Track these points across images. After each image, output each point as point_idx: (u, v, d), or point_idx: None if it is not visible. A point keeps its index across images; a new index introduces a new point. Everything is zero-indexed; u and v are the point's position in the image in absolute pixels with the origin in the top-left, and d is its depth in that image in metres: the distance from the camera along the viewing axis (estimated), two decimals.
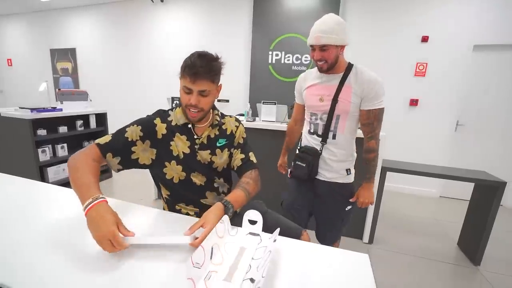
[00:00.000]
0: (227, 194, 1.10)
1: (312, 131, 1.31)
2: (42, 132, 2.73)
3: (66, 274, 0.63)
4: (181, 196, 1.06)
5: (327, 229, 1.39)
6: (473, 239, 2.00)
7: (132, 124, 0.98)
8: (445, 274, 1.86)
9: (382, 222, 2.46)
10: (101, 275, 0.63)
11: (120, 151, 0.94)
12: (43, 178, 2.81)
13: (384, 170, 2.06)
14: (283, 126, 2.30)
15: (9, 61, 5.93)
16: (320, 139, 1.27)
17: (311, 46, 1.16)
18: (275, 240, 0.72)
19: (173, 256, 0.71)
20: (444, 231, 2.47)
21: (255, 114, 2.89)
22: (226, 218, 0.79)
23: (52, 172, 2.87)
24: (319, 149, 1.28)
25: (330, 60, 1.15)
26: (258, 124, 2.35)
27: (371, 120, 1.19)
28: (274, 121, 2.45)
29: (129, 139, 0.95)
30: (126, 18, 4.53)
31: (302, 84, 1.34)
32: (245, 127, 1.15)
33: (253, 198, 0.98)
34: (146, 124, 0.98)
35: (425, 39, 3.04)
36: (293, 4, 3.45)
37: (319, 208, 1.37)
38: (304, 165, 1.29)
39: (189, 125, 1.01)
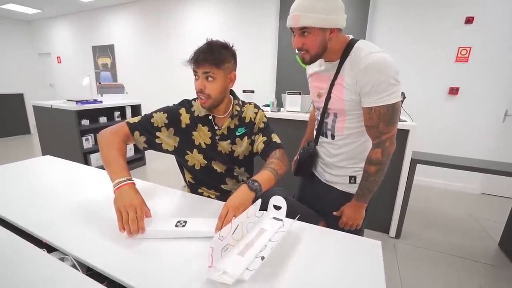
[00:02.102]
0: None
1: (316, 126, 1.12)
2: (85, 122, 3.01)
3: (99, 240, 0.73)
4: (203, 181, 1.12)
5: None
6: None
7: (159, 110, 1.04)
8: (481, 274, 1.73)
9: (412, 217, 2.35)
10: (127, 245, 0.72)
11: (146, 132, 1.00)
12: (86, 163, 3.11)
13: (413, 163, 1.95)
14: (307, 117, 2.27)
15: (58, 58, 6.55)
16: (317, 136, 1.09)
17: (290, 29, 0.90)
18: (291, 225, 0.75)
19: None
20: (484, 230, 2.29)
21: (280, 104, 2.88)
22: (259, 201, 0.81)
23: (94, 158, 3.17)
24: (313, 144, 1.10)
25: (313, 49, 0.88)
26: (283, 114, 2.34)
27: (374, 122, 0.87)
28: (299, 112, 2.43)
29: (155, 125, 1.00)
30: (158, 14, 4.72)
31: (308, 70, 1.11)
32: (269, 118, 1.13)
33: (282, 176, 0.96)
34: (172, 113, 1.04)
35: (469, 20, 2.75)
36: None
37: (321, 211, 1.14)
38: (296, 159, 1.17)
39: (210, 117, 1.04)
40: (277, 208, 0.85)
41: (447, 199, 2.94)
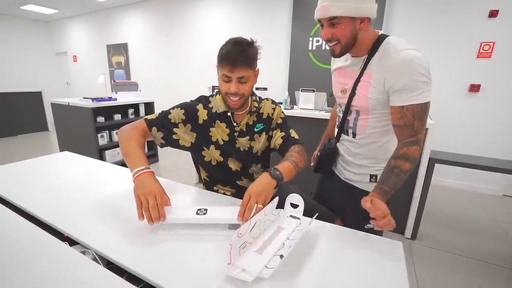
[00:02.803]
0: None
1: (338, 123, 1.09)
2: (100, 119, 3.08)
3: (120, 234, 0.73)
4: (218, 178, 1.12)
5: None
6: None
7: (177, 106, 1.04)
8: (501, 279, 1.66)
9: (428, 218, 2.28)
10: (148, 240, 0.72)
11: (164, 128, 1.01)
12: (101, 160, 3.18)
13: (431, 162, 1.89)
14: (321, 114, 2.24)
15: (74, 57, 6.74)
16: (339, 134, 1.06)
17: (319, 21, 0.87)
18: (310, 223, 0.74)
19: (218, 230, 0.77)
20: (506, 233, 2.19)
21: (293, 102, 2.85)
22: (276, 199, 0.81)
23: (109, 155, 3.24)
24: (335, 141, 1.08)
25: (344, 39, 0.84)
26: (296, 112, 2.32)
27: (408, 120, 0.82)
28: (312, 109, 2.40)
29: (172, 121, 1.01)
30: (170, 12, 4.76)
31: (332, 64, 1.08)
32: None
33: (301, 172, 0.96)
34: (189, 109, 1.03)
35: (493, 13, 2.62)
36: None
37: (338, 210, 1.12)
38: (318, 154, 1.14)
39: (228, 113, 1.03)
40: (294, 206, 0.84)
41: (465, 200, 2.84)
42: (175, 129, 1.02)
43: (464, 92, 2.89)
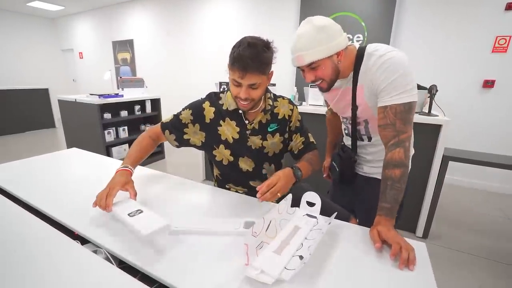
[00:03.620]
0: None
1: (347, 132, 1.10)
2: (107, 115, 3.07)
3: (132, 234, 0.71)
4: (230, 177, 1.09)
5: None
6: None
7: (186, 107, 1.04)
8: None
9: (440, 217, 2.23)
10: (160, 239, 0.70)
11: (176, 130, 1.03)
12: (108, 156, 3.19)
13: (445, 160, 1.84)
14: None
15: (80, 54, 6.75)
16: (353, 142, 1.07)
17: (298, 67, 0.90)
18: (329, 223, 0.72)
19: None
20: None
21: (302, 98, 2.81)
22: (289, 196, 0.79)
23: (116, 151, 3.25)
24: (353, 153, 1.08)
25: (328, 77, 0.87)
26: (305, 108, 2.28)
27: (390, 120, 0.81)
28: (321, 105, 2.35)
29: (183, 121, 1.02)
30: (176, 8, 4.72)
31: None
32: None
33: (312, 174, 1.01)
34: (196, 109, 1.02)
35: (510, 6, 2.52)
36: None
37: (358, 208, 1.13)
38: (337, 168, 1.13)
39: (240, 111, 0.99)
40: (311, 204, 0.81)
41: (479, 199, 2.77)
42: (185, 130, 1.03)
43: (478, 88, 2.81)
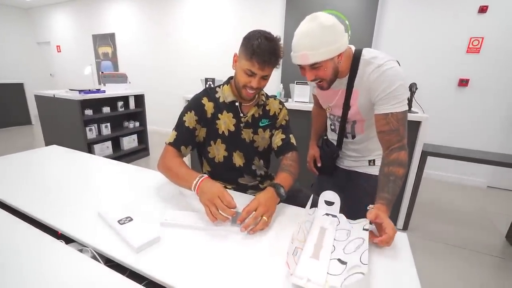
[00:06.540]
0: (264, 177, 1.15)
1: (333, 128, 1.16)
2: (88, 112, 2.96)
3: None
4: (220, 174, 1.10)
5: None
6: None
7: (186, 111, 1.01)
8: (489, 266, 1.74)
9: (419, 210, 2.34)
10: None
11: (189, 140, 1.01)
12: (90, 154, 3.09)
13: (424, 155, 1.93)
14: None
15: (58, 47, 6.43)
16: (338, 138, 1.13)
17: (299, 65, 0.91)
18: (365, 229, 0.68)
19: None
20: (491, 223, 2.28)
21: (287, 94, 2.84)
22: (311, 197, 0.81)
23: (98, 149, 3.14)
24: (337, 148, 1.15)
25: (328, 77, 0.90)
26: (291, 105, 2.30)
27: (394, 126, 0.87)
28: (307, 102, 2.39)
29: (190, 127, 1.00)
30: (160, 1, 4.60)
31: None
32: None
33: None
34: (197, 108, 1.01)
35: (483, 9, 2.67)
36: None
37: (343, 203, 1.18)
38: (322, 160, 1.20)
39: (236, 103, 1.02)
40: (329, 203, 0.83)
41: (454, 192, 2.93)
42: (196, 132, 1.02)
43: (454, 86, 2.96)
